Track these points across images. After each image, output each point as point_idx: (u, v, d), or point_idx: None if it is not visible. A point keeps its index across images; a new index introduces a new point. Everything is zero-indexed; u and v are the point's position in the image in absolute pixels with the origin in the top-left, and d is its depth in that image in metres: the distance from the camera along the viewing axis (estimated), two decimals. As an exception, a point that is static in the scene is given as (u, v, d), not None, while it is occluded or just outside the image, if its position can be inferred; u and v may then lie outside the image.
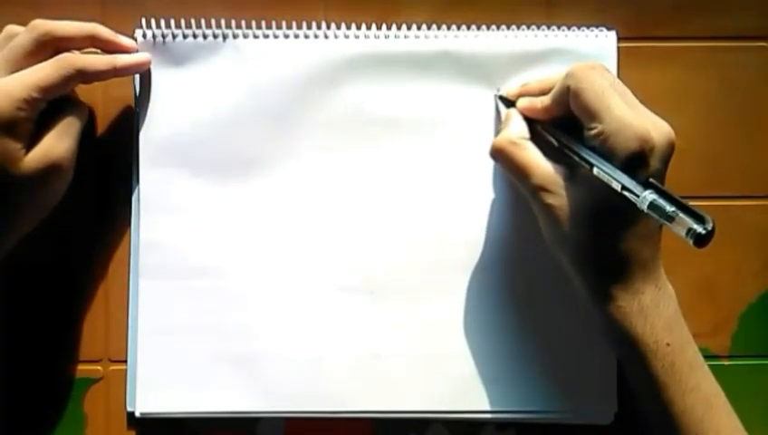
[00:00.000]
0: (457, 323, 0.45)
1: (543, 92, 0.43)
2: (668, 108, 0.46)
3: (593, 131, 0.39)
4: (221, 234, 0.45)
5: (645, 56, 0.47)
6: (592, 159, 0.39)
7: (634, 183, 0.37)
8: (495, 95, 0.46)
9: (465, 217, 0.46)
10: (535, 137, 0.42)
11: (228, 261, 0.45)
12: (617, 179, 0.37)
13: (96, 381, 0.46)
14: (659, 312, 0.39)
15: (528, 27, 0.46)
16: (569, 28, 0.46)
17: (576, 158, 0.40)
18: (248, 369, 0.45)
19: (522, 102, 0.44)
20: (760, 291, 0.48)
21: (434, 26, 0.46)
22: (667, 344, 0.39)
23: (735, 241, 0.47)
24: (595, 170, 0.38)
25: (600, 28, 0.46)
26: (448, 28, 0.46)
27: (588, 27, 0.46)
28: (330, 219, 0.45)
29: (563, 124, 0.42)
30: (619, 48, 0.46)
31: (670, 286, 0.41)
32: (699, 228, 0.34)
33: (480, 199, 0.46)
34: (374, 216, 0.46)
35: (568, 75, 0.40)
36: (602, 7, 0.47)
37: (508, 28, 0.46)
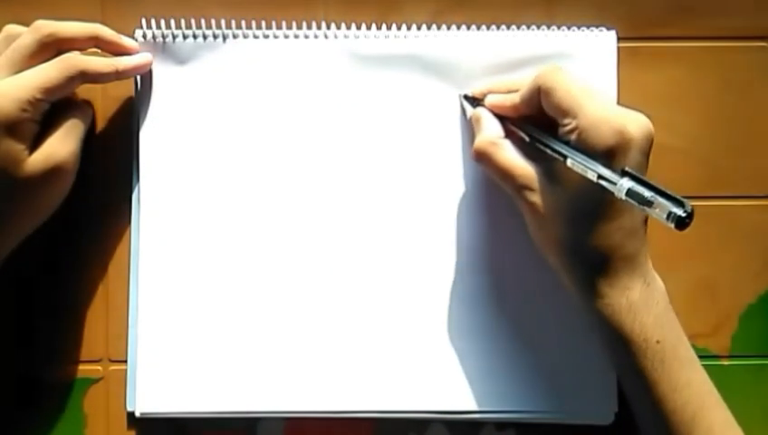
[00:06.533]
0: (458, 324, 0.45)
1: (510, 92, 0.43)
2: (668, 108, 0.47)
3: (568, 127, 0.39)
4: (221, 234, 0.45)
5: (645, 56, 0.47)
6: (565, 150, 0.39)
7: (609, 172, 0.37)
8: (460, 95, 0.45)
9: (465, 219, 0.46)
10: (507, 135, 0.42)
11: (228, 261, 0.45)
12: (592, 169, 0.37)
13: (96, 381, 0.46)
14: (648, 309, 0.39)
15: (528, 27, 0.46)
16: (569, 28, 0.46)
17: (549, 151, 0.40)
18: (248, 369, 0.45)
19: (490, 99, 0.43)
20: (760, 291, 0.48)
21: (434, 26, 0.46)
22: (657, 342, 0.39)
23: (735, 241, 0.47)
24: (569, 162, 0.38)
25: (600, 28, 0.46)
26: (448, 28, 0.46)
27: (588, 27, 0.46)
28: (330, 219, 0.45)
29: (532, 124, 0.42)
30: (619, 48, 0.46)
31: (660, 281, 0.41)
32: (679, 211, 0.34)
33: (481, 201, 0.46)
34: (375, 216, 0.46)
35: (537, 76, 0.40)
36: (602, 7, 0.47)
37: (508, 28, 0.46)
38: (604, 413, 0.45)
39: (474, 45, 0.46)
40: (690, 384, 0.39)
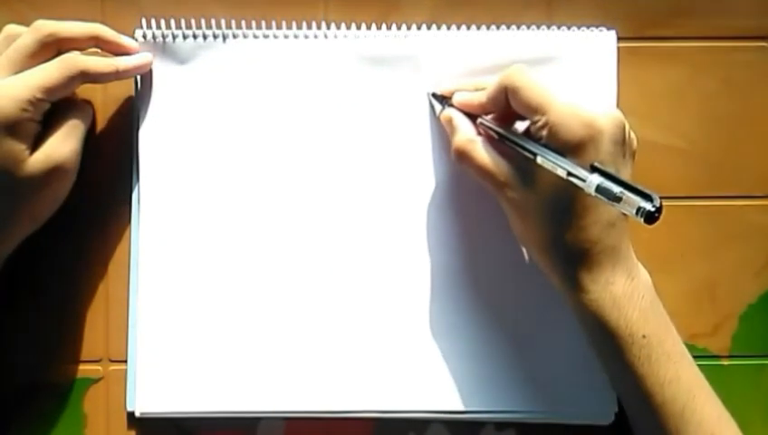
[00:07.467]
0: (457, 324, 0.45)
1: (477, 90, 0.43)
2: (668, 108, 0.47)
3: (538, 123, 0.39)
4: (221, 234, 0.45)
5: (645, 56, 0.47)
6: (535, 148, 0.39)
7: (579, 169, 0.37)
8: (428, 93, 0.45)
9: (464, 220, 0.46)
10: (479, 133, 0.42)
11: (228, 261, 0.45)
12: (562, 166, 0.37)
13: (96, 381, 0.46)
14: (633, 303, 0.39)
15: (528, 27, 0.46)
16: (569, 28, 0.46)
17: (519, 149, 0.40)
18: (248, 369, 0.45)
19: (458, 97, 0.43)
20: (760, 291, 0.48)
21: (434, 26, 0.46)
22: (643, 337, 0.39)
23: (735, 241, 0.47)
24: (539, 159, 0.38)
25: (600, 28, 0.46)
26: (448, 28, 0.46)
27: (588, 27, 0.46)
28: (331, 219, 0.45)
29: (504, 122, 0.42)
30: (618, 48, 0.46)
31: (646, 275, 0.41)
32: (648, 206, 0.34)
33: (479, 202, 0.46)
34: (377, 216, 0.46)
35: (503, 76, 0.40)
36: (602, 7, 0.47)
37: (508, 28, 0.46)
38: (604, 413, 0.45)
39: (474, 45, 0.46)
40: (679, 379, 0.38)
